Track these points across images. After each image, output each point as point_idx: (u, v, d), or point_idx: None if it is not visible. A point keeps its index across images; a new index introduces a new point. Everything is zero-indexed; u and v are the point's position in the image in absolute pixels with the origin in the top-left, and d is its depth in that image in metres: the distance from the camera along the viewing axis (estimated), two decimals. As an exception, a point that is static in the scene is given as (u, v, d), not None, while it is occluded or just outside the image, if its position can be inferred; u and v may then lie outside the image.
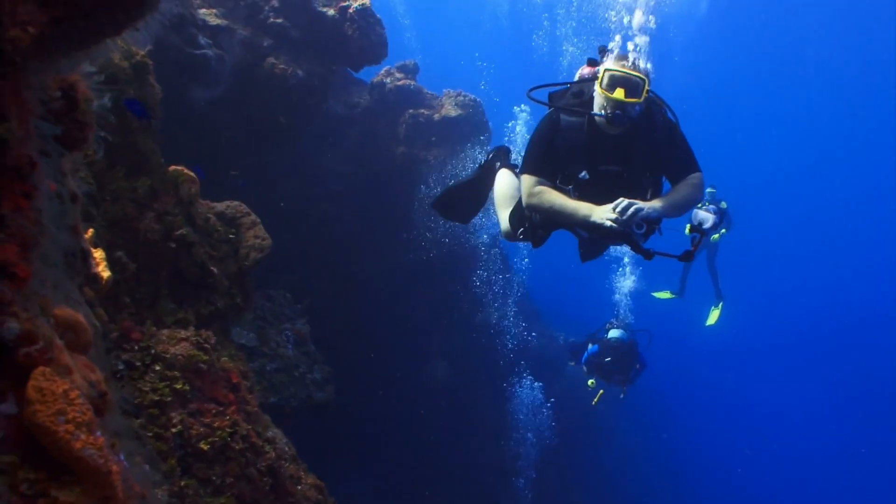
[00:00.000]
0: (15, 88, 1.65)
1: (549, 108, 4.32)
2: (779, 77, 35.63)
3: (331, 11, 9.22)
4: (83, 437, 1.40)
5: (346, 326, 10.01)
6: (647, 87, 3.94)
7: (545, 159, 4.29)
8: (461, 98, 11.38)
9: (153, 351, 3.75)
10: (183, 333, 3.94)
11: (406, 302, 10.96)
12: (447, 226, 11.53)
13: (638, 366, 9.74)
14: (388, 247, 10.70)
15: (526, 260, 15.33)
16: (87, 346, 1.76)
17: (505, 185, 5.20)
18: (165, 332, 3.93)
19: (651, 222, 3.98)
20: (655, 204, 4.04)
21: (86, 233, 2.93)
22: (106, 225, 4.04)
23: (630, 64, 4.00)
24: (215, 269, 4.36)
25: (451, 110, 11.07)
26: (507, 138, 13.13)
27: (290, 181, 9.70)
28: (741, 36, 32.41)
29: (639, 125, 4.12)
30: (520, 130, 13.63)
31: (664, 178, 4.39)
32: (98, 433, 1.44)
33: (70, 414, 1.39)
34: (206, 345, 3.94)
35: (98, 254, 2.78)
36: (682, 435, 22.69)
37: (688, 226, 4.15)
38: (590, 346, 9.98)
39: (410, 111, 10.88)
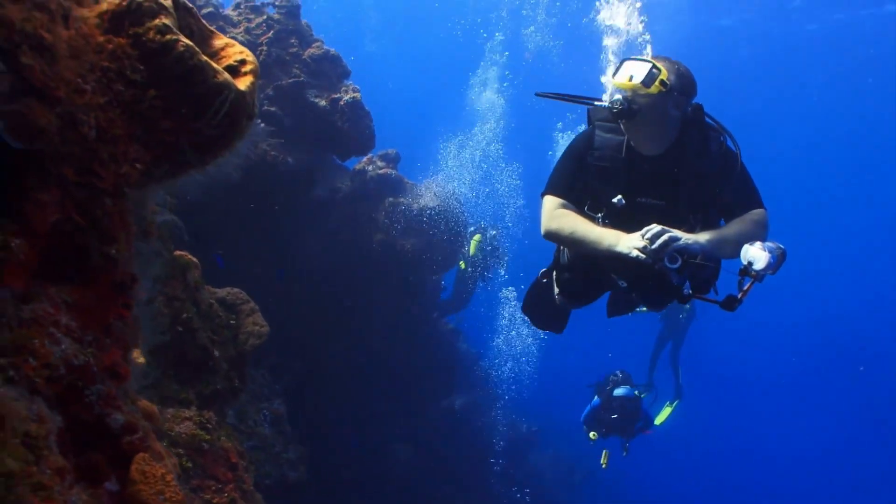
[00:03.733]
0: (122, 215, 1.98)
1: (557, 99, 3.76)
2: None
3: (322, 102, 9.70)
4: (179, 512, 1.69)
5: (320, 407, 10.17)
6: (660, 77, 3.44)
7: (573, 180, 3.81)
8: (439, 188, 11.83)
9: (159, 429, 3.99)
10: (187, 413, 4.19)
11: (376, 386, 11.15)
12: (420, 311, 11.91)
13: (641, 423, 9.73)
14: (364, 331, 10.94)
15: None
16: (160, 432, 2.04)
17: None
18: (170, 411, 4.17)
19: (689, 256, 3.37)
20: (700, 236, 3.49)
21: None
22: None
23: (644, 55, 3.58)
24: (217, 353, 4.63)
25: (429, 200, 11.50)
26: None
27: (270, 264, 9.98)
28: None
29: (685, 148, 3.64)
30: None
31: (722, 220, 3.80)
32: (187, 509, 1.73)
33: (167, 493, 1.67)
34: (208, 425, 4.19)
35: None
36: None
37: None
38: (594, 398, 9.95)
39: (390, 199, 11.25)
